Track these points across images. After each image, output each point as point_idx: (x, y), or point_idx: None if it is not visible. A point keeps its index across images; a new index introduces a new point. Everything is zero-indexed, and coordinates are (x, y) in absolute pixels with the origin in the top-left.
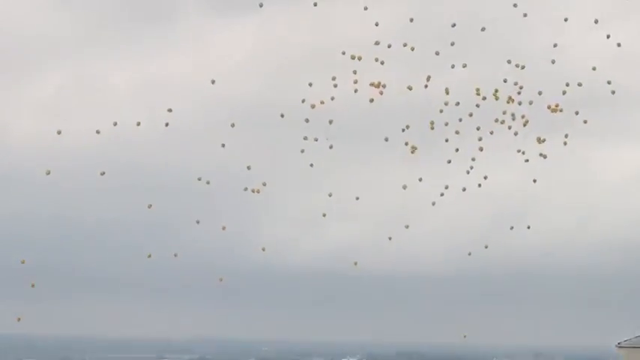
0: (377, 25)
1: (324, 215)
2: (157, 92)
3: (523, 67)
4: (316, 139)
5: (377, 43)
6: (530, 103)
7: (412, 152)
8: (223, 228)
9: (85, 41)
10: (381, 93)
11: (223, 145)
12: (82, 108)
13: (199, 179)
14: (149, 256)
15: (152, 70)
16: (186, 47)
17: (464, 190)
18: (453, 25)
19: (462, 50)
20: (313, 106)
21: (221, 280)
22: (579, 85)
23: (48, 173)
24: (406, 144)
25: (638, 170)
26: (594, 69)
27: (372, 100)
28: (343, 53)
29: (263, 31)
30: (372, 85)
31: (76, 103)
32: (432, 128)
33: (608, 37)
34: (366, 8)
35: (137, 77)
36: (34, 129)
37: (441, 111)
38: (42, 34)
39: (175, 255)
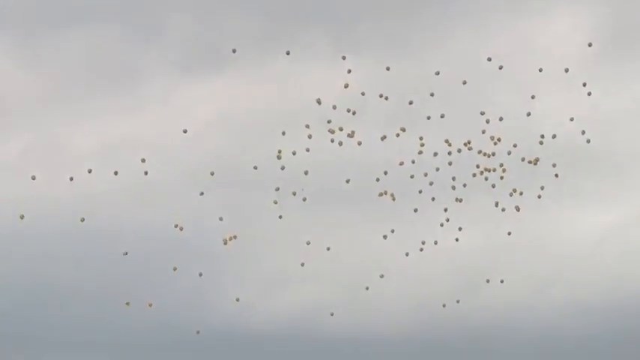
0: (349, 71)
1: (290, 273)
2: (121, 151)
3: (501, 119)
4: (294, 193)
5: (346, 86)
6: (509, 153)
7: (393, 199)
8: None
9: (50, 101)
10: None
11: (202, 193)
12: (47, 168)
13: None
14: (127, 304)
15: (119, 129)
16: (151, 106)
17: (435, 243)
18: (437, 73)
19: (439, 101)
20: (283, 168)
21: (198, 332)
22: (554, 137)
23: (22, 217)
24: (380, 195)
25: (602, 235)
26: (572, 119)
27: (340, 144)
28: (319, 102)
29: (231, 87)
30: (343, 132)
31: (41, 164)
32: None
33: (589, 94)
34: (344, 57)
35: (104, 137)
36: None
37: (413, 161)
38: (5, 94)
39: (150, 305)
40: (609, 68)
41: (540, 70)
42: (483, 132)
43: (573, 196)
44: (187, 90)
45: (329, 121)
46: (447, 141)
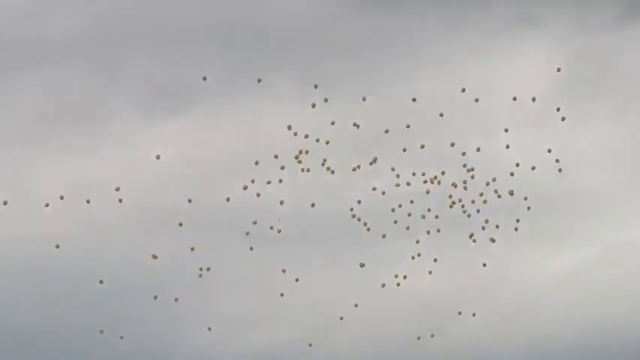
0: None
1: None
2: (85, 194)
3: (478, 149)
4: (271, 227)
5: (313, 106)
6: (487, 183)
7: (367, 229)
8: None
9: (11, 144)
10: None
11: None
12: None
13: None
14: (101, 332)
15: (82, 171)
16: (115, 148)
17: (405, 277)
18: (414, 99)
19: (415, 132)
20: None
21: None
22: (533, 168)
23: None
24: (358, 219)
25: (564, 276)
26: (549, 150)
27: (306, 152)
28: (295, 133)
29: (197, 125)
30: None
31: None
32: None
33: (563, 119)
34: (315, 86)
35: (67, 179)
36: None
37: (383, 193)
38: None
39: (121, 338)
40: (574, 107)
41: (514, 99)
42: (465, 166)
43: (537, 236)
44: (152, 129)
45: (300, 152)
46: (422, 174)
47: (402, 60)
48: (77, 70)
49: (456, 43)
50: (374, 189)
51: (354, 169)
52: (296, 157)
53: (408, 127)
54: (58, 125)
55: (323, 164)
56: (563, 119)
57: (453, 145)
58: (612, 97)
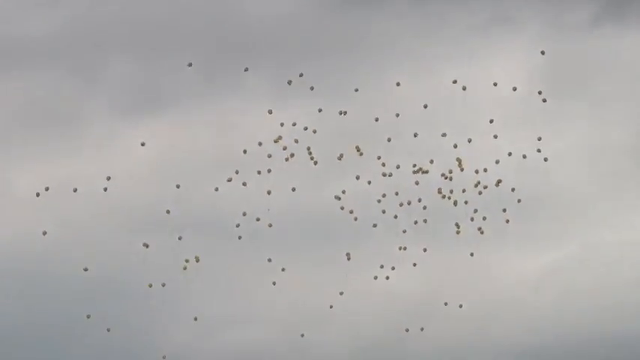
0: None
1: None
2: (62, 195)
3: (470, 141)
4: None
5: (289, 82)
6: (478, 182)
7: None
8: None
9: None
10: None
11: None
12: None
13: None
14: (88, 317)
15: (59, 172)
16: (92, 149)
17: (393, 268)
18: (398, 84)
19: (402, 122)
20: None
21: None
22: (524, 156)
23: None
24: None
25: (540, 276)
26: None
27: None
28: (282, 123)
29: (172, 128)
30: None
31: None
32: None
33: (544, 100)
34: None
35: (43, 180)
36: None
37: (369, 182)
38: None
39: (108, 330)
40: (551, 109)
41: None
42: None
43: (516, 235)
44: (128, 131)
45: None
46: (414, 165)
47: (381, 57)
48: (55, 71)
49: (434, 41)
50: (357, 178)
51: (339, 159)
52: (275, 142)
53: (397, 115)
54: (36, 126)
55: (310, 153)
56: (544, 101)
57: (444, 135)
58: (588, 96)
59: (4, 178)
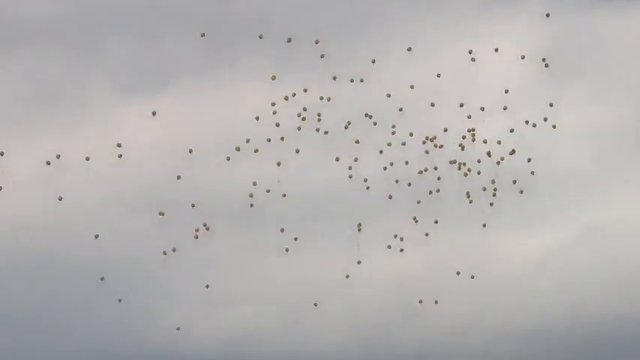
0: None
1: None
2: (60, 175)
3: (483, 109)
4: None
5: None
6: (489, 154)
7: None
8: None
9: None
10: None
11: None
12: None
13: None
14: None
15: (57, 149)
16: (92, 128)
17: (402, 239)
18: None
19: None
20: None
21: None
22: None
23: None
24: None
25: (541, 257)
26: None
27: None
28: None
29: (172, 107)
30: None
31: None
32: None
33: (546, 65)
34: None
35: (42, 157)
36: None
37: (381, 151)
38: None
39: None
40: (552, 87)
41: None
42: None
43: (513, 218)
44: (127, 110)
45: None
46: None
47: (379, 40)
48: (55, 51)
49: (433, 22)
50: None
51: (346, 126)
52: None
53: (411, 87)
54: (35, 106)
55: (319, 120)
56: (546, 66)
57: (462, 105)
58: (590, 77)
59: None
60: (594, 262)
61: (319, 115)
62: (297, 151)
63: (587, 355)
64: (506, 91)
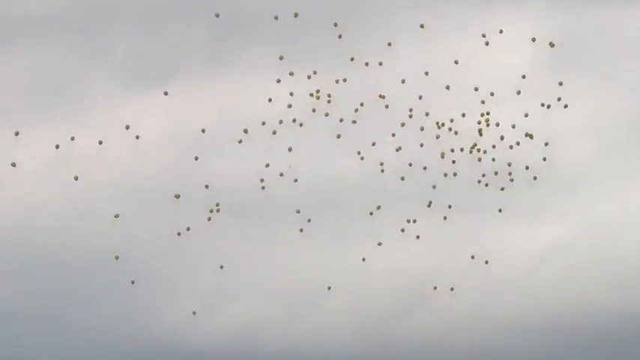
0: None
1: (232, 288)
2: (64, 166)
3: (492, 94)
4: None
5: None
6: (502, 138)
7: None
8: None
9: None
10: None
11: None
12: None
13: None
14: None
15: (62, 142)
16: (95, 122)
17: (415, 221)
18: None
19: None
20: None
21: None
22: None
23: None
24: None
25: (545, 250)
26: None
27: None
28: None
29: (177, 101)
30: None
31: None
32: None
33: (552, 45)
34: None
35: (48, 150)
36: None
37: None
38: None
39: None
40: (556, 80)
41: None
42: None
43: (517, 211)
44: (132, 103)
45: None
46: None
47: (383, 29)
48: (58, 43)
49: (437, 15)
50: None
51: (356, 110)
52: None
53: (426, 74)
54: (37, 99)
55: (329, 102)
56: (552, 45)
57: (476, 89)
58: (594, 70)
59: (2, 149)
60: (597, 256)
61: (329, 96)
62: (310, 135)
63: (596, 345)
64: (524, 77)
